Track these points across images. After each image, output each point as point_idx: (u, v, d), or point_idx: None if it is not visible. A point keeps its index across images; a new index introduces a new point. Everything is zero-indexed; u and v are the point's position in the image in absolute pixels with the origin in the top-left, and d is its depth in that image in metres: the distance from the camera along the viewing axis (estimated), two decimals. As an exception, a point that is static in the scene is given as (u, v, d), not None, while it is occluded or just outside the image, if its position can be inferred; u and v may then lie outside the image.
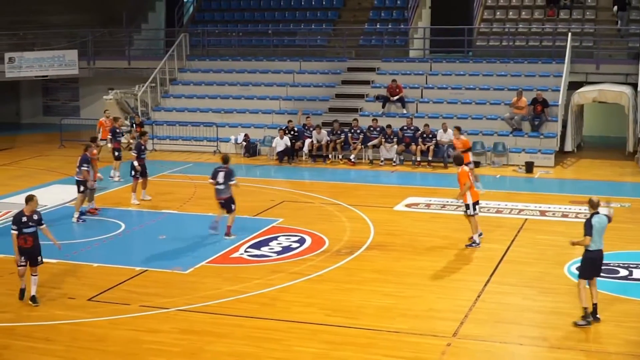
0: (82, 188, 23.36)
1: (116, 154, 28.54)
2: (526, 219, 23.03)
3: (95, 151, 24.54)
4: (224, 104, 37.15)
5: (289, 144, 32.26)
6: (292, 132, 32.65)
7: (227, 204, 21.44)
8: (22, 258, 16.63)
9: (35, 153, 35.43)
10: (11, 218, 23.51)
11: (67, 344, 14.74)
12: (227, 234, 21.30)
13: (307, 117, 33.39)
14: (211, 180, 21.43)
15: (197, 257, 19.67)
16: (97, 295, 17.18)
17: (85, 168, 23.11)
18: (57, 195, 26.61)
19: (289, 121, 33.52)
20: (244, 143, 34.09)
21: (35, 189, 27.62)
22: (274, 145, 32.57)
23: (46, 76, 41.87)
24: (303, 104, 36.03)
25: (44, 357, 14.22)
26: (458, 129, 26.56)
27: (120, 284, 17.88)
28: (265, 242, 20.91)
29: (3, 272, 18.77)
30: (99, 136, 31.92)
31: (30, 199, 16.84)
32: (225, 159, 21.47)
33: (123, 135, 30.31)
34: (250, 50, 40.52)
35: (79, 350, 14.46)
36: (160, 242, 21.37)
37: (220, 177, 21.26)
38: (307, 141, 32.70)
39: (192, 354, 14.28)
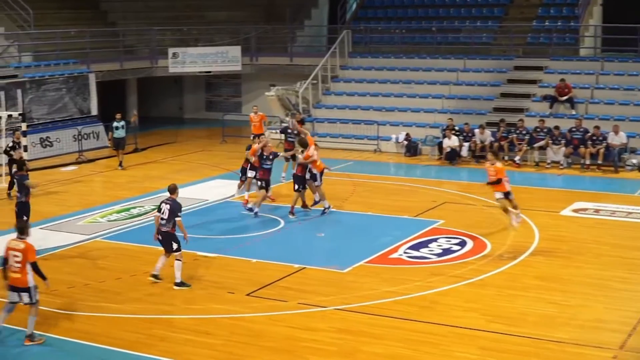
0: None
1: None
2: (702, 228, 22.21)
3: (255, 146, 24.59)
4: (386, 102, 37.23)
5: (457, 143, 32.03)
6: (453, 130, 32.40)
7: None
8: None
9: (198, 148, 36.41)
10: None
11: (226, 338, 15.08)
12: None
13: (466, 124, 32.97)
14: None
15: (356, 256, 19.76)
16: (255, 290, 17.52)
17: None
18: (218, 190, 27.27)
19: (449, 119, 33.34)
20: (405, 142, 34.06)
21: (196, 183, 28.49)
22: (445, 146, 32.29)
23: (209, 72, 42.93)
24: (467, 103, 35.79)
25: (202, 350, 14.59)
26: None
27: (278, 280, 18.18)
28: (425, 244, 20.84)
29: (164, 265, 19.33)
30: (252, 130, 32.59)
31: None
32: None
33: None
34: (413, 47, 40.43)
35: (237, 345, 14.77)
36: (318, 240, 21.64)
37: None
38: (465, 144, 32.39)
39: (349, 354, 14.38)
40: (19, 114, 29.57)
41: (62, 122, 36.05)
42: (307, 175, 23.78)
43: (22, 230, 15.04)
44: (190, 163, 32.83)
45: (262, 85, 41.78)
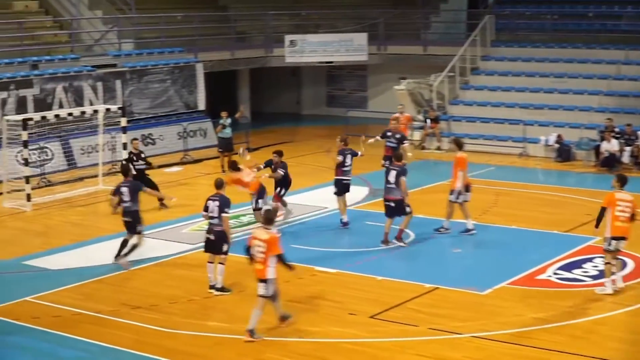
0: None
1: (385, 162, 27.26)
2: None
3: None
4: (534, 99, 36.86)
5: (617, 147, 31.44)
6: (612, 132, 31.84)
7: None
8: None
9: (317, 148, 36.52)
10: (289, 220, 24.64)
11: (345, 366, 15.17)
12: None
13: (628, 125, 32.36)
14: None
15: (497, 276, 19.59)
16: (380, 312, 17.51)
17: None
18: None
19: (608, 119, 32.76)
20: (557, 145, 33.64)
21: (315, 188, 28.74)
22: (602, 150, 31.73)
23: (331, 62, 43.12)
24: (629, 100, 35.14)
25: (318, 379, 14.72)
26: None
27: (407, 301, 18.14)
28: (579, 264, 20.52)
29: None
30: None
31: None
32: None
33: (400, 143, 27.46)
34: (566, 35, 39.95)
35: (359, 374, 14.85)
36: (454, 257, 21.53)
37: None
38: (627, 149, 31.83)
39: (487, 389, 14.33)
40: (118, 108, 30.20)
41: (165, 118, 36.75)
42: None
43: (269, 219, 16.16)
44: (309, 165, 33.02)
45: (391, 78, 41.85)
